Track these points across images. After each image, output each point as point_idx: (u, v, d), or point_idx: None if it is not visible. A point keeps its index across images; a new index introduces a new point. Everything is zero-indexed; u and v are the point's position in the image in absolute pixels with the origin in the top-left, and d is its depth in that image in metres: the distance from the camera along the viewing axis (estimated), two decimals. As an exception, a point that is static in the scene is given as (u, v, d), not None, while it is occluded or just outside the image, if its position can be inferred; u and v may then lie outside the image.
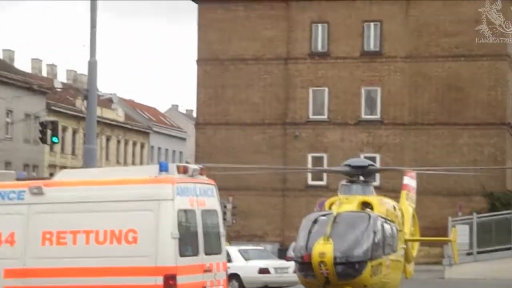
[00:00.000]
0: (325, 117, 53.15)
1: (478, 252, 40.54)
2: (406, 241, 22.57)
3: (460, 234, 33.69)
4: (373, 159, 46.49)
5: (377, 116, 52.64)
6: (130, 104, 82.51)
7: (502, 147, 51.41)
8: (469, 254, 40.39)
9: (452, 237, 26.65)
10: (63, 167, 64.34)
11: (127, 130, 77.38)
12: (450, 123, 51.36)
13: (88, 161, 24.86)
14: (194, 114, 61.50)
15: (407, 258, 22.71)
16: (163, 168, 13.91)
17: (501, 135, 51.52)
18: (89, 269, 13.68)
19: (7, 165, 58.73)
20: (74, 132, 69.07)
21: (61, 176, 14.89)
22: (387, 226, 20.74)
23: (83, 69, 79.77)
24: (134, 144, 79.40)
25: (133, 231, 13.59)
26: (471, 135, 51.20)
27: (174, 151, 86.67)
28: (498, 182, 50.87)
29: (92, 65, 24.94)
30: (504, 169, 51.06)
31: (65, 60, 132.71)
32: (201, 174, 14.50)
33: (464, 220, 42.07)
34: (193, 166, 14.46)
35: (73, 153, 69.07)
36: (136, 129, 79.19)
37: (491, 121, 51.06)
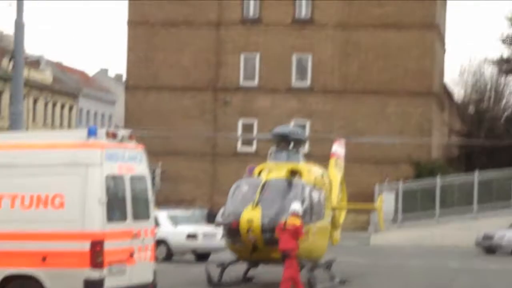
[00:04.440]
0: (255, 83, 53.22)
1: (403, 219, 41.31)
2: (333, 208, 22.84)
3: (386, 201, 34.24)
4: (303, 126, 46.88)
5: (307, 83, 52.93)
6: (58, 67, 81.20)
7: (428, 116, 52.25)
8: (394, 221, 41.12)
9: (378, 205, 27.09)
10: (-11, 128, 63.11)
11: (55, 92, 76.21)
12: (379, 91, 51.95)
13: (15, 124, 24.35)
14: (124, 78, 60.89)
15: (334, 225, 23.02)
16: (91, 132, 13.74)
17: (428, 104, 52.34)
18: (14, 234, 13.49)
19: None
20: (0, 93, 67.76)
21: (-14, 139, 14.59)
22: (314, 194, 20.96)
23: (9, 29, 78.09)
24: (62, 106, 78.26)
25: (60, 196, 13.43)
26: (399, 104, 51.89)
27: (103, 115, 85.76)
28: (424, 151, 51.78)
29: (19, 26, 24.35)
30: (430, 138, 51.94)
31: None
32: (130, 139, 14.38)
33: (390, 187, 42.76)
34: (122, 132, 14.31)
35: (-1, 114, 67.72)
36: (64, 91, 78.02)
37: (418, 91, 51.80)
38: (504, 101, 68.59)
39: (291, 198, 19.99)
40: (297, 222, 18.37)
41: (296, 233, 18.10)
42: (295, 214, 18.41)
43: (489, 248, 35.98)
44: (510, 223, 37.46)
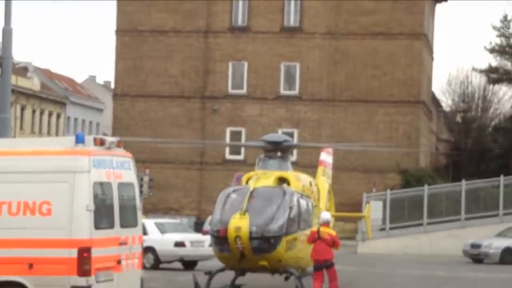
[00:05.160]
0: (244, 91, 53.26)
1: (391, 228, 41.35)
2: (321, 216, 22.77)
3: (373, 210, 34.31)
4: (291, 134, 46.88)
5: (295, 91, 52.99)
6: (46, 74, 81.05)
7: (416, 125, 52.38)
8: (382, 229, 41.16)
9: (365, 213, 27.13)
10: (-24, 136, 62.88)
11: (42, 99, 76.05)
12: (367, 100, 52.05)
13: (1, 131, 24.26)
14: (112, 86, 60.85)
15: (322, 233, 22.90)
16: (79, 139, 13.68)
17: (415, 113, 52.47)
18: (1, 241, 13.43)
19: None
20: (-12, 101, 67.50)
21: (-27, 146, 14.53)
22: (303, 202, 20.94)
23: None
24: (50, 114, 78.11)
25: (47, 203, 13.38)
26: (387, 113, 51.99)
27: (91, 122, 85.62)
28: (411, 160, 51.90)
29: (7, 32, 24.33)
30: (418, 147, 52.05)
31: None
32: (118, 146, 14.32)
33: (378, 196, 42.81)
34: (110, 139, 14.26)
35: (-14, 122, 67.50)
36: (52, 99, 77.88)
37: (406, 99, 51.94)
38: (491, 110, 68.87)
39: (278, 206, 19.98)
40: (332, 231, 18.63)
41: (333, 242, 18.35)
42: (326, 224, 18.66)
43: (477, 257, 36.04)
44: (497, 232, 37.55)
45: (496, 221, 40.27)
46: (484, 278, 27.89)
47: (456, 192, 42.06)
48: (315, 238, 18.47)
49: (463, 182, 41.90)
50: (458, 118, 69.21)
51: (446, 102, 70.03)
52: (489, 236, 37.05)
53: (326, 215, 19.04)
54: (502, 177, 41.71)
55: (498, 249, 35.64)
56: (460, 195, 41.40)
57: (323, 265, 18.65)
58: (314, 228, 19.03)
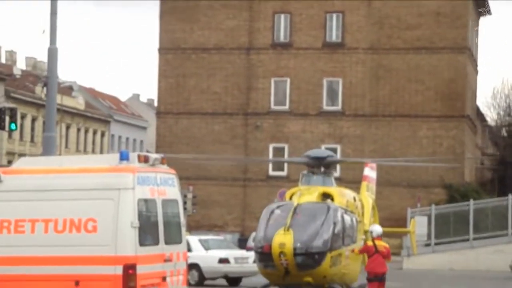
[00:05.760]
0: (286, 107, 53.25)
1: (436, 243, 40.95)
2: (365, 232, 22.69)
3: (418, 225, 33.99)
4: (334, 150, 46.70)
5: (338, 107, 52.85)
6: (90, 92, 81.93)
7: (461, 139, 51.91)
8: (427, 245, 40.78)
9: (410, 228, 26.90)
10: (22, 154, 63.74)
11: (87, 118, 76.84)
12: (410, 115, 51.74)
13: (47, 149, 24.60)
14: (156, 103, 61.27)
15: (366, 249, 22.75)
16: (123, 157, 13.77)
17: (460, 127, 52.01)
18: (48, 258, 13.52)
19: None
20: (34, 120, 68.43)
21: (20, 163, 14.68)
22: (347, 217, 20.84)
23: (43, 56, 79.08)
24: (94, 132, 78.87)
25: (92, 220, 13.46)
26: (431, 128, 51.61)
27: (134, 140, 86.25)
28: (456, 174, 51.39)
29: (52, 52, 24.67)
30: (463, 161, 51.58)
31: (24, 47, 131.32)
32: (162, 163, 14.39)
33: (422, 211, 42.45)
34: (154, 156, 14.33)
35: (32, 140, 68.42)
36: (96, 117, 78.66)
37: (450, 114, 51.52)
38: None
39: (323, 222, 19.91)
40: (386, 244, 18.83)
41: (388, 255, 18.52)
42: (380, 237, 18.83)
43: (524, 272, 35.52)
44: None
45: (544, 236, 39.70)
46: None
47: (502, 207, 41.56)
48: (373, 252, 18.60)
49: (510, 196, 41.38)
50: (504, 132, 68.41)
51: (491, 116, 69.36)
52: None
53: (378, 229, 19.17)
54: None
55: (546, 264, 35.09)
56: (507, 210, 40.88)
57: (380, 278, 18.76)
58: (369, 242, 19.07)
